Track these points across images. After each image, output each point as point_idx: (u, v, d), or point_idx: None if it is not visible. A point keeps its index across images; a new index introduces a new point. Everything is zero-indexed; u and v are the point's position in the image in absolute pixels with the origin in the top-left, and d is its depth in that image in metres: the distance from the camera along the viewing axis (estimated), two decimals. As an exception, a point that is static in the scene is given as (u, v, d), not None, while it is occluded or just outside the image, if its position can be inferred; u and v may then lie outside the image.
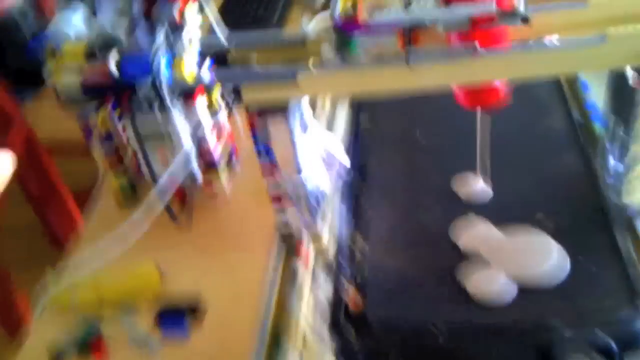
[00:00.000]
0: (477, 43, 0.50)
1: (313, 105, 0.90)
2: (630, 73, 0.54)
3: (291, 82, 0.56)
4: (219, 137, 0.82)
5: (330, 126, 0.85)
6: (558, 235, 0.59)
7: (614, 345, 0.50)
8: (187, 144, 0.75)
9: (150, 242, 0.70)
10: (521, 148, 0.69)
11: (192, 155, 0.77)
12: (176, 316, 0.69)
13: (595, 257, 0.57)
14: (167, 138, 0.75)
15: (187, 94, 0.73)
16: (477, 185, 0.67)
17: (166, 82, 0.68)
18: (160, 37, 0.70)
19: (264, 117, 0.61)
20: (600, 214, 0.61)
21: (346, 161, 0.74)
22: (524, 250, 0.59)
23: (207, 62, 0.72)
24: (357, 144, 0.78)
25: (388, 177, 0.72)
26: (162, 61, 0.68)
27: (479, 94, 0.57)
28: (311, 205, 0.67)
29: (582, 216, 0.61)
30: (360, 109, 0.84)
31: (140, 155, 0.77)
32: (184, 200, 0.81)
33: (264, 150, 0.64)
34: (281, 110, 0.60)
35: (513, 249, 0.59)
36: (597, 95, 0.74)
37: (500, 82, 0.56)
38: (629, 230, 0.61)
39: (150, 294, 0.72)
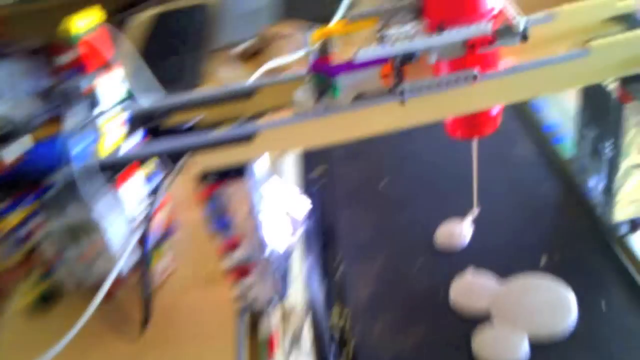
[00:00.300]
0: (477, 69, 0.45)
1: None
2: (612, 86, 0.51)
3: (252, 140, 0.49)
4: (154, 214, 0.71)
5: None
6: (562, 276, 0.54)
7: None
8: (122, 232, 0.64)
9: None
10: (499, 184, 0.64)
11: (130, 244, 0.65)
12: None
13: (606, 294, 0.52)
14: (95, 230, 0.63)
15: (116, 176, 0.63)
16: (464, 234, 0.60)
17: (88, 167, 0.57)
18: (73, 116, 0.59)
19: (221, 185, 0.52)
20: (599, 242, 0.57)
21: (307, 212, 0.65)
22: (527, 299, 0.53)
23: (140, 133, 0.62)
24: (315, 198, 0.70)
25: (360, 236, 0.64)
26: (82, 143, 0.57)
27: (474, 122, 0.52)
28: (278, 275, 0.58)
29: (584, 248, 0.57)
30: (312, 158, 0.76)
31: (63, 254, 0.63)
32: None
33: (221, 224, 0.55)
34: (239, 173, 0.52)
35: (516, 300, 0.53)
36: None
37: (496, 107, 0.51)
38: (622, 249, 0.57)
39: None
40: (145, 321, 0.59)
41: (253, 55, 1.01)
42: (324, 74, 0.48)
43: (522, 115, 0.74)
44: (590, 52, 0.46)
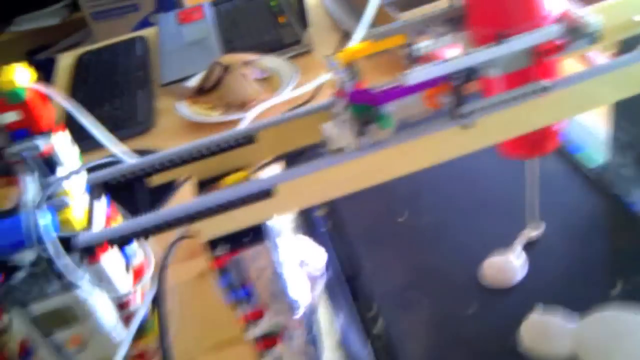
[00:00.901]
0: (545, 80, 0.39)
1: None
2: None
3: (272, 195, 0.41)
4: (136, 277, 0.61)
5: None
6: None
7: None
8: (110, 315, 0.53)
9: None
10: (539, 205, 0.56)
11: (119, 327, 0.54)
12: None
13: None
14: (76, 317, 0.52)
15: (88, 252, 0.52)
16: (516, 266, 0.53)
17: (60, 249, 0.46)
18: (33, 189, 0.49)
19: (237, 253, 0.43)
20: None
21: (324, 261, 0.57)
22: (614, 338, 0.46)
23: (103, 201, 0.52)
24: (327, 244, 0.62)
25: (394, 280, 0.56)
26: (44, 220, 0.46)
27: (536, 139, 0.45)
28: (314, 337, 0.50)
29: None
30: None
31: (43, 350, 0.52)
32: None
33: (243, 294, 0.46)
34: (257, 235, 0.43)
35: (606, 342, 0.46)
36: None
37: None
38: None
39: None
40: None
41: (212, 90, 0.92)
42: (365, 103, 0.40)
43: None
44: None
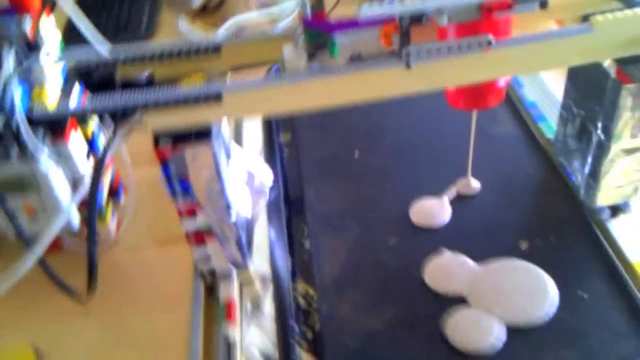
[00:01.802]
0: (491, 35, 0.41)
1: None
2: (609, 66, 0.49)
3: (222, 101, 0.44)
4: (104, 171, 0.65)
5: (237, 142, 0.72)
6: (544, 264, 0.52)
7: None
8: (68, 187, 0.57)
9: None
10: (480, 163, 0.60)
11: (72, 204, 0.58)
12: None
13: (586, 282, 0.51)
14: (32, 186, 0.56)
15: (56, 130, 0.56)
16: (442, 212, 0.57)
17: (25, 120, 0.50)
18: (10, 62, 0.51)
19: (180, 147, 0.47)
20: (584, 230, 0.55)
21: (271, 181, 0.61)
22: (505, 283, 0.50)
23: (77, 87, 0.55)
24: (280, 167, 0.65)
25: (330, 209, 0.60)
26: (17, 93, 0.49)
27: (480, 93, 0.48)
28: (241, 242, 0.54)
29: (566, 237, 0.55)
30: (277, 125, 0.71)
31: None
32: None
33: (181, 187, 0.49)
34: (203, 136, 0.46)
35: (494, 284, 0.51)
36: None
37: (504, 78, 0.48)
38: (604, 235, 0.56)
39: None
40: (90, 276, 0.54)
41: (215, 9, 0.93)
42: (319, 30, 0.43)
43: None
44: (593, 29, 0.44)
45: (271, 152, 0.67)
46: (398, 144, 0.65)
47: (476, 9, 0.41)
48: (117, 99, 0.45)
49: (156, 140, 0.46)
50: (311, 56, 0.44)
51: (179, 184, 0.49)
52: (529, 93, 0.71)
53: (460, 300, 0.50)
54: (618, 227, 0.56)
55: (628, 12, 0.44)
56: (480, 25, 0.43)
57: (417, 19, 0.41)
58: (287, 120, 0.71)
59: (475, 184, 0.59)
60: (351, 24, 0.42)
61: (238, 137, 0.75)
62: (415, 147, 0.64)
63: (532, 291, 0.49)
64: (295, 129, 0.70)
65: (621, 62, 0.47)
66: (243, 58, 0.50)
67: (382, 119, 0.68)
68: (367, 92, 0.44)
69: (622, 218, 0.57)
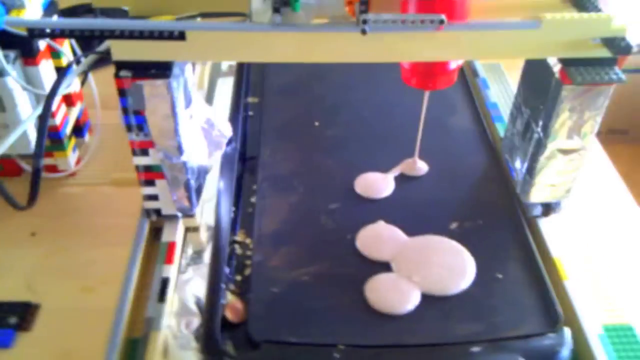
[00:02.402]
0: (444, 16, 0.44)
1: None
2: (556, 67, 0.52)
3: (185, 39, 0.46)
4: (67, 105, 0.67)
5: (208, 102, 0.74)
6: (468, 244, 0.55)
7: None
8: (26, 111, 0.59)
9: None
10: (430, 147, 0.63)
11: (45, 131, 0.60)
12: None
13: (504, 265, 0.54)
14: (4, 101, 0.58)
15: (28, 55, 0.58)
16: (385, 187, 0.60)
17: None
18: None
19: (139, 81, 0.49)
20: (512, 219, 0.58)
21: (229, 134, 0.63)
22: (429, 256, 0.53)
23: (55, 16, 0.57)
24: (242, 127, 0.67)
25: (282, 170, 0.62)
26: None
27: (431, 73, 0.51)
28: (190, 186, 0.56)
29: (494, 223, 0.58)
30: (247, 88, 0.73)
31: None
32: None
33: (136, 121, 0.51)
34: (163, 73, 0.49)
35: (418, 255, 0.53)
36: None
37: (454, 62, 0.51)
38: (532, 230, 0.60)
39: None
40: (32, 188, 0.57)
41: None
42: (287, -15, 0.45)
43: (470, 88, 0.74)
44: (541, 25, 0.46)
45: (237, 110, 0.69)
46: (358, 120, 0.68)
47: (431, -14, 0.44)
48: (83, 23, 0.46)
49: (118, 69, 0.48)
50: (276, 10, 0.46)
51: (134, 117, 0.51)
52: (493, 94, 0.74)
53: (385, 267, 0.52)
54: (546, 224, 0.59)
55: (577, 15, 0.47)
56: (438, 5, 0.46)
57: (375, -11, 0.44)
58: (258, 85, 0.74)
59: (421, 165, 0.62)
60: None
61: (210, 97, 0.78)
62: (373, 125, 0.67)
63: (452, 266, 0.52)
64: (264, 94, 0.72)
65: (565, 63, 0.50)
66: (215, 6, 0.52)
67: (347, 95, 0.71)
68: (322, 53, 0.47)
69: (552, 217, 0.60)
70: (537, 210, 0.60)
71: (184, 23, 0.47)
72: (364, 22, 0.44)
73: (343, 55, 0.47)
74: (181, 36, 0.46)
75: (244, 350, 0.46)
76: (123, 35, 0.46)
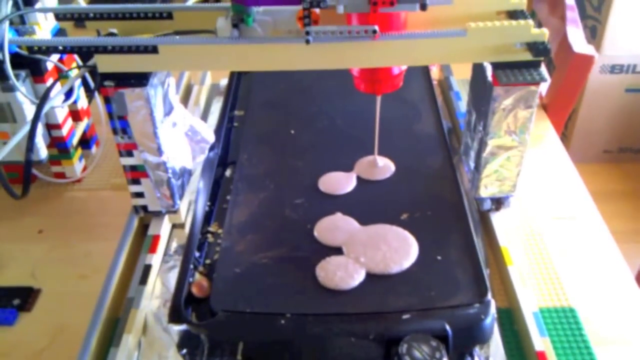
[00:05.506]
0: (377, 27, 0.50)
1: (187, 96, 0.87)
2: (488, 69, 0.58)
3: (157, 52, 0.54)
4: (74, 120, 0.76)
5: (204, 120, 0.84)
6: (415, 231, 0.60)
7: (449, 332, 0.50)
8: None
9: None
10: (392, 147, 0.70)
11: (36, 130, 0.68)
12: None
13: (445, 249, 0.59)
14: (11, 118, 0.67)
15: (37, 73, 0.67)
16: (346, 184, 0.66)
17: (6, 56, 0.61)
18: (7, 7, 0.62)
19: (121, 90, 0.57)
20: (458, 211, 0.63)
21: (212, 140, 0.71)
22: (377, 241, 0.59)
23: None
24: (225, 135, 0.75)
25: (255, 170, 0.70)
26: (7, 34, 0.60)
27: (375, 79, 0.58)
28: (171, 184, 0.64)
29: (441, 214, 0.63)
30: (235, 104, 0.81)
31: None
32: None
33: (120, 125, 0.60)
34: (141, 82, 0.57)
35: (368, 240, 0.59)
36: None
37: (396, 69, 0.58)
38: (483, 224, 0.65)
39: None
40: (25, 183, 0.64)
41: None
42: (242, 3, 0.53)
43: (436, 99, 0.80)
44: (467, 33, 0.52)
45: (222, 121, 0.77)
46: (331, 127, 0.75)
47: (365, 2, 0.51)
48: (72, 41, 0.55)
49: (102, 80, 0.56)
50: (234, 26, 0.53)
51: (119, 122, 0.59)
52: (464, 106, 0.80)
53: (337, 251, 0.58)
54: (498, 217, 0.65)
55: (499, 23, 0.53)
56: (374, 18, 0.53)
57: (317, 3, 0.51)
58: (244, 99, 0.81)
59: (381, 164, 0.68)
60: (266, 2, 0.52)
61: (206, 114, 0.86)
62: (344, 131, 0.74)
63: (397, 249, 0.57)
64: (248, 107, 0.80)
65: (496, 67, 0.56)
66: (188, 25, 0.60)
67: (324, 106, 0.78)
68: (274, 61, 0.54)
69: (502, 211, 0.66)
70: (488, 205, 0.65)
71: (156, 39, 0.55)
72: (307, 33, 0.52)
73: (293, 63, 0.54)
74: (154, 50, 0.54)
75: (204, 319, 0.52)
76: (106, 50, 0.54)
